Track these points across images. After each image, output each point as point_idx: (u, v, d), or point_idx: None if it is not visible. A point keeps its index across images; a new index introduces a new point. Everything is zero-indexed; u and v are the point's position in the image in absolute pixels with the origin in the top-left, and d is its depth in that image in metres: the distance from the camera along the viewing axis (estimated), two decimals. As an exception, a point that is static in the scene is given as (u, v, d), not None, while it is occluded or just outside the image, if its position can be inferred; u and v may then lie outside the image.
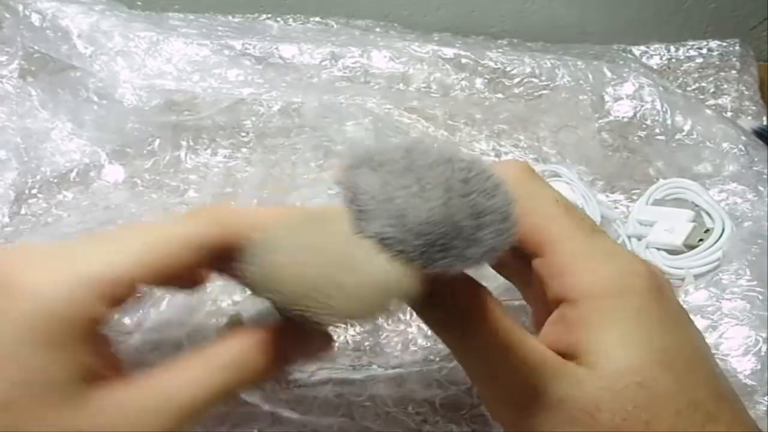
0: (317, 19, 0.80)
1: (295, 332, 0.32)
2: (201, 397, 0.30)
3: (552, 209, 0.33)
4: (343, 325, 0.30)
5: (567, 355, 0.31)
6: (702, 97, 0.73)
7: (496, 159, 0.65)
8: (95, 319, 0.30)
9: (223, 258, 0.32)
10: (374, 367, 0.47)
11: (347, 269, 0.29)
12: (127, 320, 0.49)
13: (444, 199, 0.28)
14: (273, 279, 0.29)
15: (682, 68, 0.77)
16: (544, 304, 0.34)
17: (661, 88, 0.62)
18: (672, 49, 0.79)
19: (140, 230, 0.33)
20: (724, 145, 0.59)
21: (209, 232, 0.32)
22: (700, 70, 0.76)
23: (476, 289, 0.32)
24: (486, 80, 0.66)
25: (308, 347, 0.34)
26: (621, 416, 0.28)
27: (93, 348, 0.30)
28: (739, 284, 0.48)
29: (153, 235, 0.32)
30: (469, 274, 0.32)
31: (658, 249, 0.54)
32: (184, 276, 0.35)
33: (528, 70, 0.65)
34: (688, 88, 0.74)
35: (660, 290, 0.31)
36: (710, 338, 0.45)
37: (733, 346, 0.45)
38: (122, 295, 0.30)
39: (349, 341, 0.49)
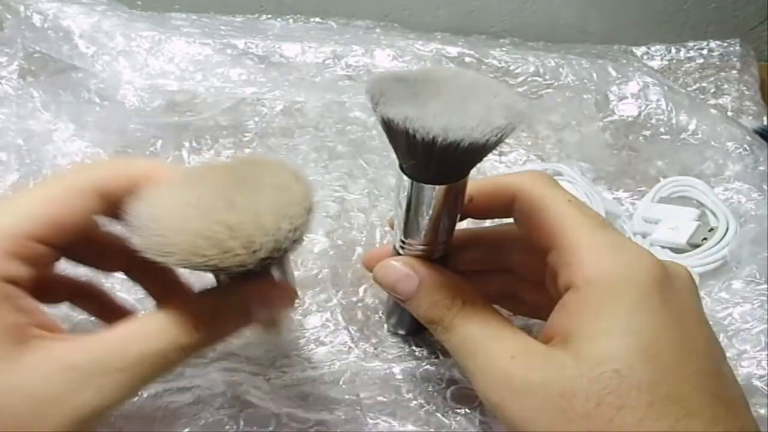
0: (317, 19, 0.80)
1: (254, 288, 0.34)
2: (147, 351, 0.31)
3: (564, 207, 0.35)
4: (254, 263, 0.31)
5: (562, 340, 0.32)
6: (702, 97, 0.73)
7: (499, 157, 0.64)
8: (8, 278, 0.30)
9: (118, 205, 0.33)
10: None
11: (234, 210, 0.31)
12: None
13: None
14: (160, 245, 0.30)
15: (683, 68, 0.77)
16: (554, 297, 0.35)
17: (666, 88, 0.62)
18: (672, 49, 0.79)
19: (37, 185, 0.35)
20: (729, 144, 0.59)
21: (103, 180, 0.34)
22: (701, 70, 0.76)
23: (449, 289, 0.36)
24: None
25: (269, 300, 0.36)
26: (594, 402, 0.29)
27: (14, 306, 0.30)
28: (750, 289, 0.48)
29: (48, 187, 0.33)
30: (450, 271, 0.37)
31: (663, 247, 0.54)
32: (91, 238, 0.36)
33: (532, 69, 0.65)
34: (689, 88, 0.74)
35: (665, 284, 0.32)
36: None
37: (744, 350, 0.45)
38: (31, 250, 0.31)
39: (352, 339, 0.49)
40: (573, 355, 0.30)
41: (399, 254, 0.40)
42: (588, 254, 0.33)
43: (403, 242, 0.39)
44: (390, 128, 0.34)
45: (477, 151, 0.33)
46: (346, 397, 0.45)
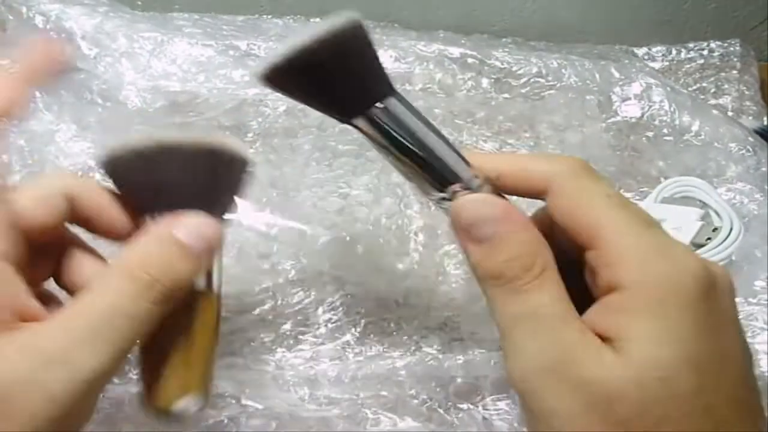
0: (318, 19, 0.80)
1: None
2: (107, 311, 0.32)
3: (604, 203, 0.33)
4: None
5: (604, 339, 0.31)
6: (703, 97, 0.73)
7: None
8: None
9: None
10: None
11: None
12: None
13: None
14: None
15: (683, 69, 0.77)
16: (588, 297, 0.34)
17: (668, 89, 0.63)
18: (673, 50, 0.79)
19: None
20: (732, 145, 0.60)
21: (72, 189, 0.37)
22: (701, 70, 0.76)
23: (536, 247, 0.33)
24: (492, 80, 0.66)
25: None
26: (637, 409, 0.29)
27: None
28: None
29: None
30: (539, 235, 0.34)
31: (666, 247, 0.55)
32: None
33: (535, 70, 0.65)
34: (689, 89, 0.74)
35: (711, 290, 0.31)
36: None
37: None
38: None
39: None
40: (618, 356, 0.30)
41: None
42: (635, 256, 0.31)
43: (441, 200, 0.37)
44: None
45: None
46: (347, 394, 0.45)
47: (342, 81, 0.37)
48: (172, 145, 0.37)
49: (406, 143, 0.37)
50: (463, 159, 0.37)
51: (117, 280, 0.33)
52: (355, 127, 0.37)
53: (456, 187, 0.36)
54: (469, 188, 0.36)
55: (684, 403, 0.28)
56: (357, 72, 0.38)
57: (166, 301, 0.33)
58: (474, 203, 0.35)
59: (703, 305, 0.30)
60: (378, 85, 0.38)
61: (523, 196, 0.37)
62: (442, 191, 0.36)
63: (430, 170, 0.37)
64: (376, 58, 0.39)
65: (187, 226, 0.35)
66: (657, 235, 0.33)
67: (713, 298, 0.31)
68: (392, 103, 0.38)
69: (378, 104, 0.37)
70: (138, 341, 0.35)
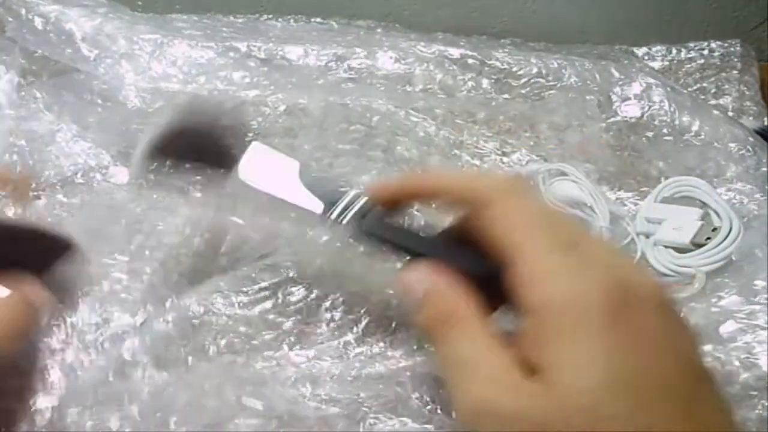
0: (318, 19, 0.80)
1: None
2: None
3: (529, 222, 0.34)
4: None
5: (530, 368, 0.31)
6: (703, 97, 0.73)
7: (502, 156, 0.65)
8: None
9: None
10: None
11: None
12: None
13: None
14: None
15: (683, 69, 0.77)
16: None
17: (668, 89, 0.63)
18: (673, 50, 0.79)
19: None
20: (732, 145, 0.60)
21: None
22: (701, 70, 0.76)
23: (452, 305, 0.35)
24: (492, 80, 0.67)
25: None
26: None
27: None
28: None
29: None
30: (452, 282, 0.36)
31: (666, 247, 0.55)
32: None
33: (535, 70, 0.66)
34: (689, 89, 0.74)
35: (624, 307, 0.30)
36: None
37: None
38: None
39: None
40: (542, 386, 0.30)
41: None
42: (545, 278, 0.32)
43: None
44: None
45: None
46: (348, 394, 0.45)
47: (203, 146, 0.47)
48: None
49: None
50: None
51: None
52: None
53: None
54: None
55: (617, 426, 0.28)
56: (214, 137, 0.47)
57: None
58: (408, 274, 0.38)
59: (620, 325, 0.30)
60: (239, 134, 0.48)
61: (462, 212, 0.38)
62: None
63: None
64: (224, 124, 0.48)
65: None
66: (576, 256, 0.33)
67: (628, 315, 0.30)
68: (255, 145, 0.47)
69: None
70: None
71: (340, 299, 0.51)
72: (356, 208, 0.43)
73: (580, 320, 0.30)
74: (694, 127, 0.61)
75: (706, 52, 0.78)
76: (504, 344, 0.33)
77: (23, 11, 0.67)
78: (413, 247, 0.42)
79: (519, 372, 0.31)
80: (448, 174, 0.40)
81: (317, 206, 0.43)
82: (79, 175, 0.63)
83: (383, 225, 0.43)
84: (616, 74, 0.65)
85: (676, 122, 0.62)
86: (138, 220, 0.59)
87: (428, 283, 0.37)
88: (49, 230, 0.48)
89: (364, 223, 0.42)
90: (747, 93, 0.73)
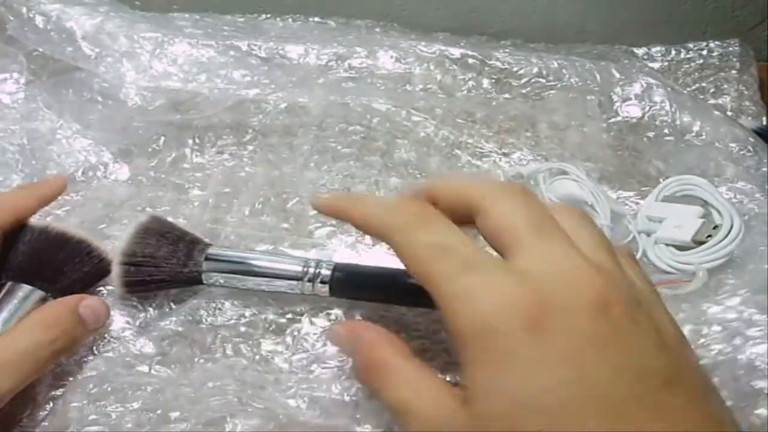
0: (317, 19, 0.80)
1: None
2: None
3: (429, 254, 0.34)
4: None
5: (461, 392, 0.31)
6: (702, 97, 0.73)
7: (504, 158, 0.65)
8: None
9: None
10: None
11: None
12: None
13: None
14: None
15: (682, 69, 0.77)
16: None
17: (669, 89, 0.62)
18: (672, 50, 0.79)
19: None
20: (732, 146, 0.59)
21: None
22: (700, 70, 0.76)
23: (380, 347, 0.37)
24: (493, 80, 0.66)
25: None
26: None
27: None
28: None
29: None
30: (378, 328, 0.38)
31: (667, 245, 0.55)
32: None
33: (535, 70, 0.65)
34: (688, 89, 0.74)
35: (540, 324, 0.29)
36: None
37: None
38: None
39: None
40: (465, 412, 0.30)
41: None
42: (455, 305, 0.31)
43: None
44: None
45: None
46: (347, 395, 0.45)
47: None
48: (68, 235, 0.50)
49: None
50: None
51: (31, 329, 0.43)
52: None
53: None
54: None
55: None
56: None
57: (60, 355, 0.44)
58: (335, 335, 0.40)
59: (535, 344, 0.29)
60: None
61: (457, 217, 0.37)
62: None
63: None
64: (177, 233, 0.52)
65: (87, 306, 0.46)
66: (481, 277, 0.32)
67: (547, 333, 0.29)
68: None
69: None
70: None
71: (341, 302, 0.52)
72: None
73: (494, 342, 0.29)
74: (695, 128, 0.61)
75: (704, 51, 0.78)
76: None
77: (24, 9, 0.67)
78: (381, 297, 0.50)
79: (455, 402, 0.31)
80: (445, 179, 0.39)
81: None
82: (80, 173, 0.63)
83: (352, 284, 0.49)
84: (617, 74, 0.64)
85: (677, 122, 0.61)
86: (137, 216, 0.58)
87: (353, 340, 0.38)
88: (97, 248, 0.51)
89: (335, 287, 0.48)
90: (746, 93, 0.73)
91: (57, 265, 0.49)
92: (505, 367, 0.29)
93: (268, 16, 0.80)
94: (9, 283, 0.48)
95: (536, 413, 0.28)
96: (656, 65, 0.77)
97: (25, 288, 0.47)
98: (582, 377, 0.28)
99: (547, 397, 0.28)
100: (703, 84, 0.74)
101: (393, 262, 0.53)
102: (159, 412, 0.43)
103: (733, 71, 0.75)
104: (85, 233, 0.51)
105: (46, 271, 0.49)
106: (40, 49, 0.68)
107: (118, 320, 0.51)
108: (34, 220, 0.51)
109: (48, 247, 0.49)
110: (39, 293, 0.48)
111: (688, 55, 0.78)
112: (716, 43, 0.78)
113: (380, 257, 0.56)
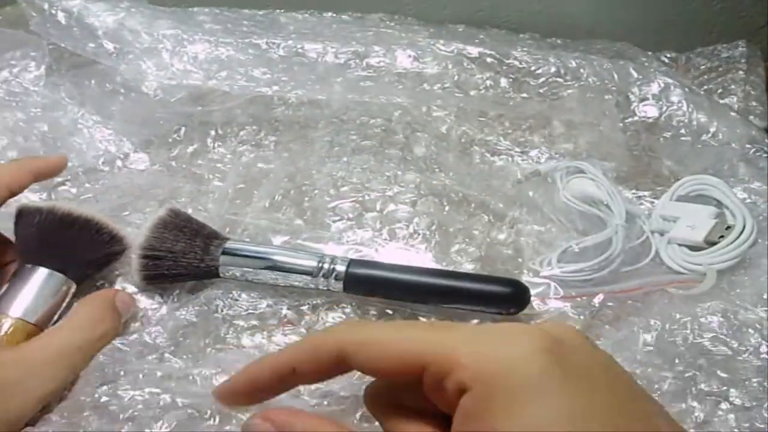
0: (332, 14, 0.79)
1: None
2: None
3: (418, 329, 0.33)
4: None
5: None
6: (710, 98, 0.72)
7: (521, 154, 0.64)
8: None
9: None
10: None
11: None
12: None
13: None
14: None
15: (690, 69, 0.76)
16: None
17: (686, 89, 0.61)
18: (680, 50, 0.78)
19: None
20: (748, 146, 0.58)
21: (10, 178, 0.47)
22: (708, 71, 0.75)
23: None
24: (511, 79, 0.65)
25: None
26: None
27: None
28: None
29: None
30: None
31: (680, 245, 0.53)
32: None
33: (553, 69, 0.64)
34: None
35: (558, 357, 0.28)
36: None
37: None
38: None
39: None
40: None
41: None
42: (467, 351, 0.29)
43: None
44: None
45: None
46: (347, 392, 0.44)
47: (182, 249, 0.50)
48: (74, 214, 0.49)
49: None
50: None
51: (81, 326, 0.45)
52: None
53: None
54: None
55: None
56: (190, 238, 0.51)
57: (102, 347, 0.45)
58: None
59: (556, 377, 0.27)
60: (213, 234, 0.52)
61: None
62: None
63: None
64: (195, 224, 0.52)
65: (121, 300, 0.48)
66: (485, 327, 0.31)
67: (566, 362, 0.28)
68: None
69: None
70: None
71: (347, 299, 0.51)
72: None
73: (517, 385, 0.27)
74: (712, 128, 0.59)
75: (712, 52, 0.77)
76: None
77: (46, 6, 0.66)
78: (394, 295, 0.50)
79: None
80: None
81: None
82: (101, 162, 0.63)
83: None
84: (635, 74, 0.63)
85: (694, 123, 0.60)
86: (157, 204, 0.59)
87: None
88: (107, 225, 0.51)
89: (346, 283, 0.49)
90: (753, 93, 0.72)
91: (69, 245, 0.49)
92: (539, 407, 0.27)
93: (281, 11, 0.78)
94: (26, 266, 0.47)
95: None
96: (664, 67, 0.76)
97: (42, 271, 0.47)
98: (600, 404, 0.28)
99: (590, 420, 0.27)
100: (711, 85, 0.73)
101: (407, 259, 0.54)
102: (169, 396, 0.42)
103: (741, 72, 0.74)
104: (92, 211, 0.51)
105: (59, 253, 0.48)
106: (63, 45, 0.67)
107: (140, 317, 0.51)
108: (41, 202, 0.51)
109: (57, 228, 0.48)
110: (59, 276, 0.47)
111: (696, 56, 0.77)
112: (723, 43, 0.77)
113: (396, 252, 0.55)
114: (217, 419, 0.41)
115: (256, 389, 0.35)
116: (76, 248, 0.49)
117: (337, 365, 0.32)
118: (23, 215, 0.49)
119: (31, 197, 0.58)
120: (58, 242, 0.48)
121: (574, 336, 0.30)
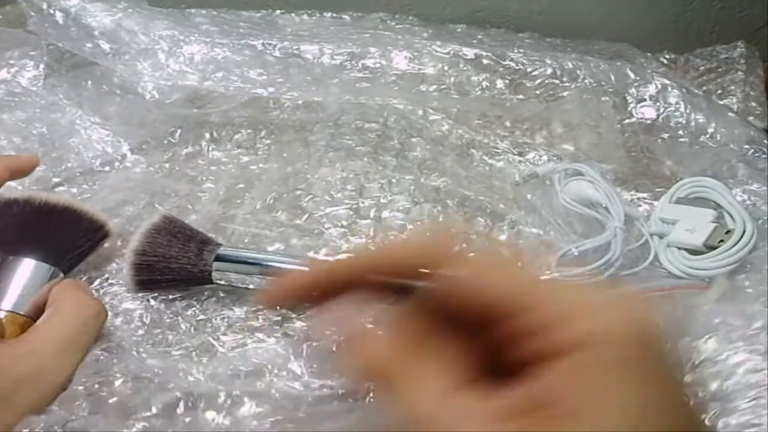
0: (332, 14, 0.78)
1: None
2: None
3: (521, 273, 0.30)
4: None
5: (541, 411, 0.26)
6: (709, 98, 0.71)
7: (518, 156, 0.63)
8: None
9: None
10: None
11: None
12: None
13: None
14: None
15: (689, 70, 0.75)
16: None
17: (684, 90, 0.60)
18: (679, 51, 0.77)
19: None
20: (747, 147, 0.57)
21: None
22: (707, 71, 0.74)
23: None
24: (507, 81, 0.64)
25: None
26: None
27: None
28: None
29: None
30: None
31: (679, 249, 0.52)
32: None
33: (549, 71, 0.63)
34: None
35: (651, 345, 0.26)
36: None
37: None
38: None
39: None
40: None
41: None
42: (580, 313, 0.26)
43: None
44: None
45: None
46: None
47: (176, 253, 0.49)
48: (52, 203, 0.49)
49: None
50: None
51: (76, 311, 0.44)
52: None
53: None
54: None
55: None
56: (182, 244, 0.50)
57: (100, 326, 0.45)
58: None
59: (649, 361, 0.26)
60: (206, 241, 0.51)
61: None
62: None
63: None
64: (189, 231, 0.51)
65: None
66: (594, 289, 0.29)
67: (650, 351, 0.26)
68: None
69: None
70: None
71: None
72: None
73: (626, 358, 0.26)
74: (710, 129, 0.58)
75: (711, 53, 0.76)
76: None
77: (44, 5, 0.66)
78: None
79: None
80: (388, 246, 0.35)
81: None
82: (98, 163, 0.63)
83: None
84: (632, 75, 0.62)
85: (692, 124, 0.59)
86: (151, 206, 0.58)
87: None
88: (87, 212, 0.51)
89: None
90: (752, 93, 0.71)
91: (49, 234, 0.48)
92: (639, 385, 0.26)
93: (281, 12, 0.78)
94: (10, 258, 0.46)
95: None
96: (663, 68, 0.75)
97: (28, 262, 0.46)
98: (664, 402, 0.26)
99: (651, 420, 0.25)
100: (710, 86, 0.72)
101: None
102: (165, 395, 0.42)
103: (740, 72, 0.73)
104: (70, 199, 0.51)
105: (40, 242, 0.48)
106: (60, 45, 0.66)
107: (128, 313, 0.50)
108: (17, 192, 0.51)
109: (36, 217, 0.48)
110: (44, 266, 0.47)
111: (695, 56, 0.76)
112: (722, 44, 0.76)
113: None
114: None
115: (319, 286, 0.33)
116: (57, 237, 0.49)
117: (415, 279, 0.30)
118: (0, 207, 0.48)
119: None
120: (38, 232, 0.48)
121: (654, 326, 0.27)
